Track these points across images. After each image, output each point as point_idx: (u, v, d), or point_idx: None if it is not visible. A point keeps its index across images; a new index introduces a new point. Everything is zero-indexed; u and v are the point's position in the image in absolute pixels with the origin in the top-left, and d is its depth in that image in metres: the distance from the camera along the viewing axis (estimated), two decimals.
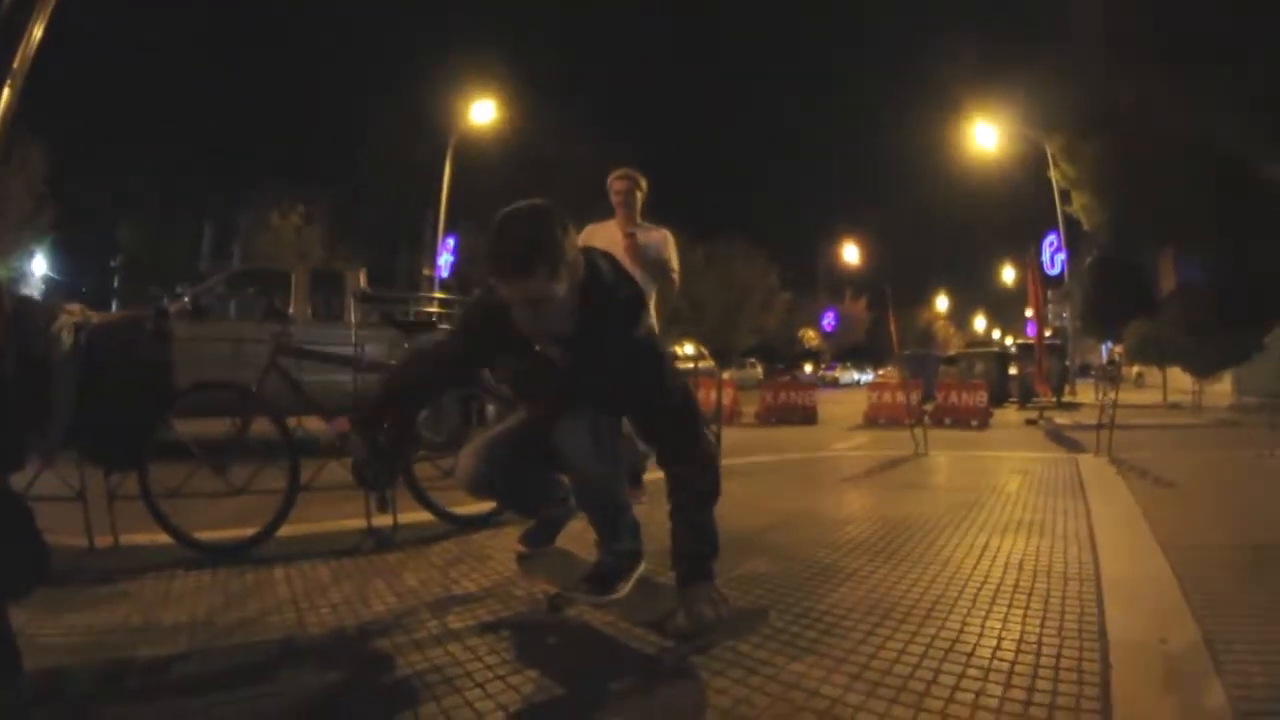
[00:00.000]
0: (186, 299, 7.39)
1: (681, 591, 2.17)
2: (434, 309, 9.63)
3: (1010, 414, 14.84)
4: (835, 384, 41.79)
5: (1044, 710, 1.80)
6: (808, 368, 47.14)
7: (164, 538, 3.29)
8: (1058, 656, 2.12)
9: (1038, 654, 2.14)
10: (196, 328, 6.47)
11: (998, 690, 1.90)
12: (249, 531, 3.40)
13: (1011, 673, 2.01)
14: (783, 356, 49.32)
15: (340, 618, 2.51)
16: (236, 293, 8.31)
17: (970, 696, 1.87)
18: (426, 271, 23.35)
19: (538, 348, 2.19)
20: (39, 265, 30.58)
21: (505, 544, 3.49)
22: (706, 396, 9.49)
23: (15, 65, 2.11)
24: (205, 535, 3.39)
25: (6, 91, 2.09)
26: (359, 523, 3.65)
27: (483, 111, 22.80)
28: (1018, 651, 2.16)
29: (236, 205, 31.35)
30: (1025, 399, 16.73)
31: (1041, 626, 2.37)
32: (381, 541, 3.51)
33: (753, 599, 2.69)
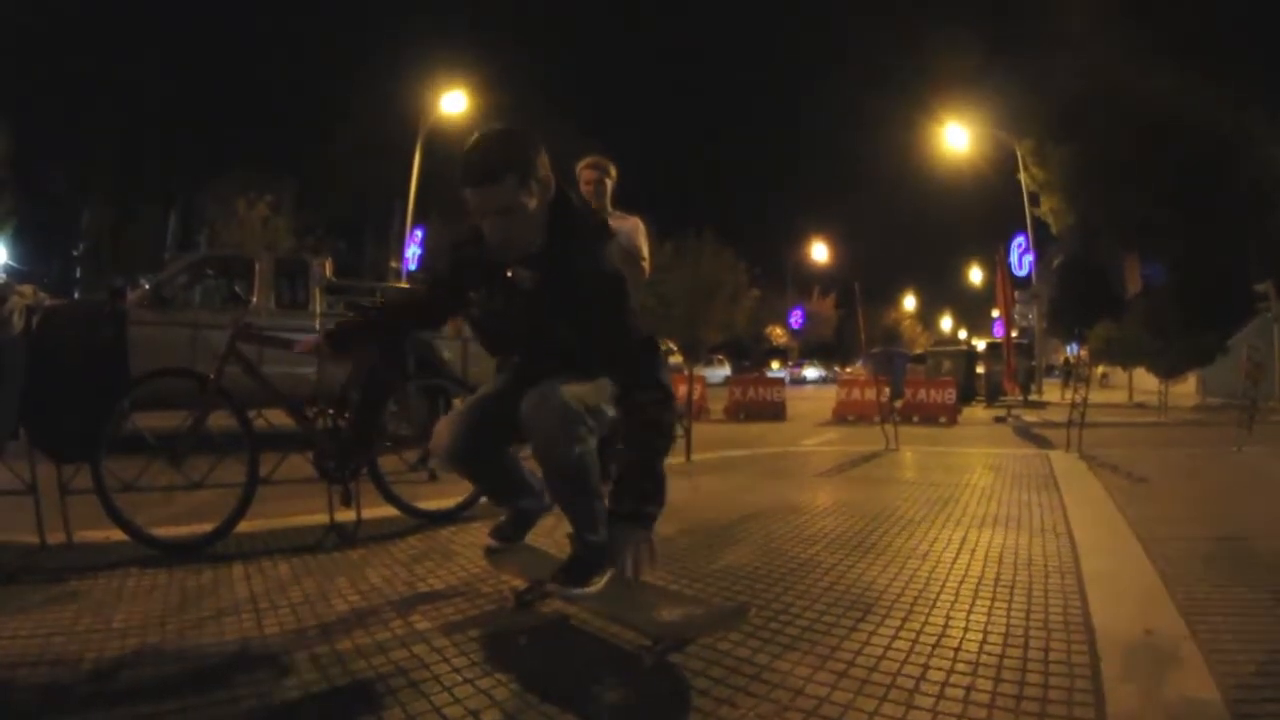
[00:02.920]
0: (148, 286, 7.17)
1: (613, 528, 2.08)
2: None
3: (978, 411, 14.99)
4: (804, 381, 42.02)
5: (1037, 704, 1.75)
6: (775, 365, 47.28)
7: (119, 534, 3.14)
8: (1046, 649, 2.08)
9: (1025, 647, 2.10)
10: (157, 315, 6.28)
11: (988, 685, 1.85)
12: (206, 527, 3.25)
13: (1001, 667, 1.96)
14: (750, 353, 49.46)
15: (301, 618, 2.39)
16: (199, 280, 8.07)
17: (961, 692, 1.81)
18: (394, 264, 22.95)
19: (509, 274, 2.14)
20: None
21: (472, 540, 3.40)
22: (675, 392, 9.42)
23: None
24: (161, 531, 3.24)
25: None
26: (321, 518, 3.52)
27: (453, 102, 22.52)
28: (1005, 645, 2.12)
29: (203, 194, 30.62)
30: (992, 397, 16.91)
31: (1027, 620, 2.34)
32: (344, 537, 3.38)
33: (731, 594, 2.62)
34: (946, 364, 18.22)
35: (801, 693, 1.83)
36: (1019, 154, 21.27)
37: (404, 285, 11.35)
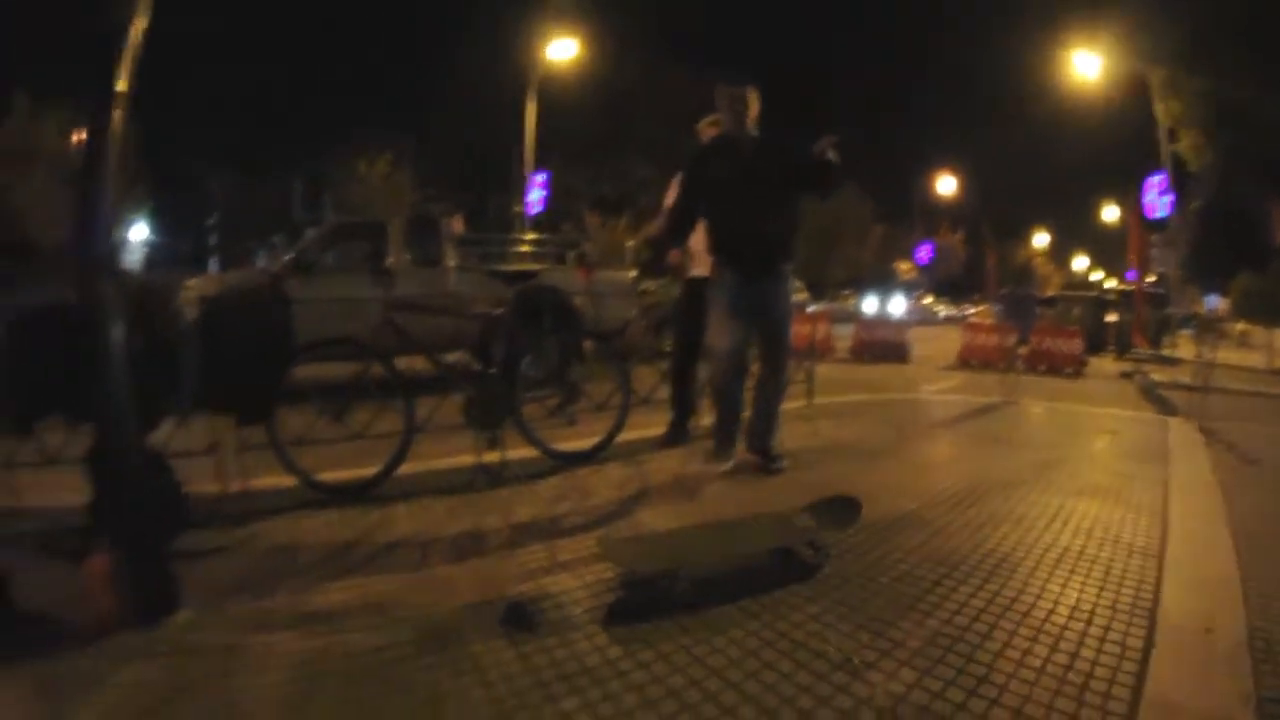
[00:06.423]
0: (289, 257, 7.57)
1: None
2: (527, 248, 9.94)
3: (1106, 363, 14.35)
4: (934, 319, 40.59)
5: (1082, 676, 1.99)
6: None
7: (288, 481, 3.54)
8: (1106, 628, 2.28)
9: (1089, 623, 2.31)
10: (305, 286, 6.62)
11: (1044, 651, 2.11)
12: (370, 471, 3.65)
13: (1060, 637, 2.21)
14: (879, 289, 48.28)
15: (461, 551, 2.86)
16: (336, 246, 8.24)
17: (1018, 655, 2.09)
18: (516, 209, 23.47)
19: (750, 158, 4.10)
20: (138, 232, 31.13)
21: (607, 479, 3.89)
22: (799, 332, 9.49)
23: (122, 88, 2.32)
24: (329, 476, 3.61)
25: (117, 114, 2.33)
26: (469, 459, 3.93)
27: (563, 47, 22.70)
28: (1070, 618, 2.34)
29: (325, 157, 31.46)
30: (1122, 349, 16.16)
31: (1098, 597, 2.52)
32: (492, 478, 3.82)
33: (836, 540, 2.93)
34: (1076, 310, 17.50)
35: (881, 635, 2.19)
36: (1152, 85, 19.46)
37: (531, 236, 11.86)
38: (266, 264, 12.47)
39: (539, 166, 23.08)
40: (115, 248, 2.38)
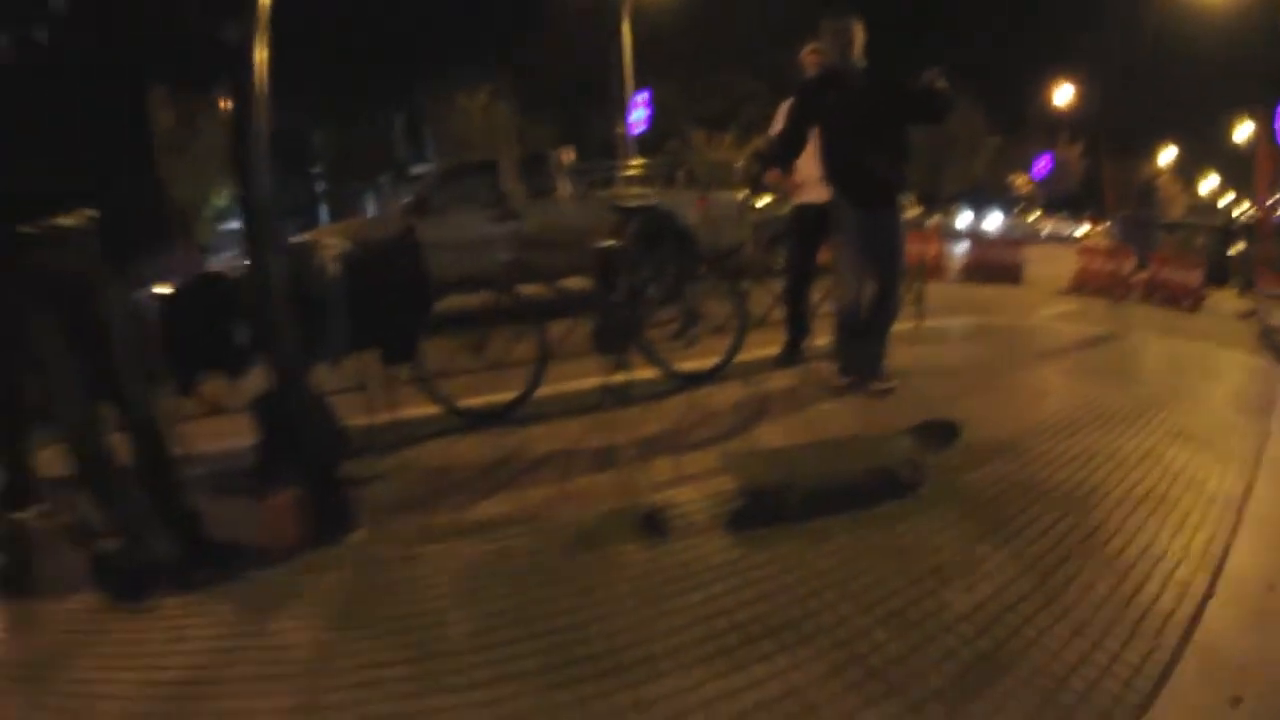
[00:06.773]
0: (408, 201, 7.97)
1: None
2: (635, 171, 10.10)
3: (1227, 299, 13.54)
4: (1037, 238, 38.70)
5: (1139, 612, 2.18)
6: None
7: (435, 409, 3.84)
8: (1173, 570, 2.43)
9: (1156, 563, 2.49)
10: (430, 228, 6.67)
11: (1111, 583, 2.36)
12: (507, 397, 3.96)
13: (1127, 573, 2.42)
14: (991, 203, 46.39)
15: (597, 465, 3.31)
16: (452, 186, 8.43)
17: (1086, 582, 2.36)
18: (619, 130, 23.16)
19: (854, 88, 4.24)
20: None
21: (726, 398, 4.31)
22: (910, 251, 9.24)
23: (257, 88, 2.64)
24: (471, 403, 3.93)
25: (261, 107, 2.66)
26: (598, 381, 4.29)
27: None
28: (1140, 557, 2.53)
29: (421, 91, 31.01)
30: (1246, 285, 15.20)
31: (1171, 539, 2.65)
32: (620, 398, 4.19)
33: (935, 462, 3.21)
34: (1199, 239, 16.54)
35: (968, 552, 2.53)
36: None
37: (638, 161, 12.04)
38: (376, 208, 12.94)
39: (639, 85, 22.67)
40: (277, 220, 2.75)
